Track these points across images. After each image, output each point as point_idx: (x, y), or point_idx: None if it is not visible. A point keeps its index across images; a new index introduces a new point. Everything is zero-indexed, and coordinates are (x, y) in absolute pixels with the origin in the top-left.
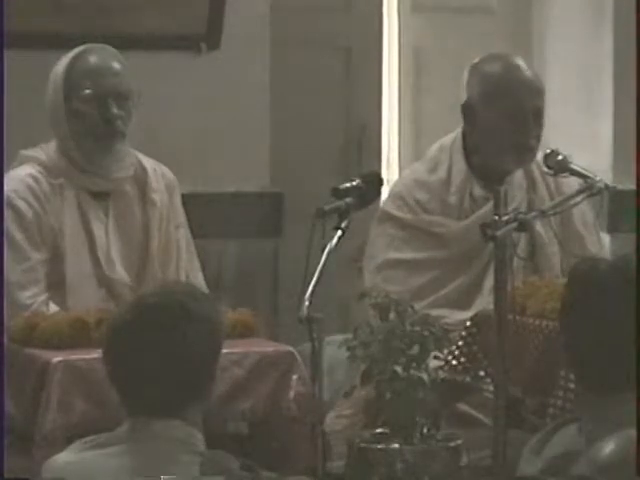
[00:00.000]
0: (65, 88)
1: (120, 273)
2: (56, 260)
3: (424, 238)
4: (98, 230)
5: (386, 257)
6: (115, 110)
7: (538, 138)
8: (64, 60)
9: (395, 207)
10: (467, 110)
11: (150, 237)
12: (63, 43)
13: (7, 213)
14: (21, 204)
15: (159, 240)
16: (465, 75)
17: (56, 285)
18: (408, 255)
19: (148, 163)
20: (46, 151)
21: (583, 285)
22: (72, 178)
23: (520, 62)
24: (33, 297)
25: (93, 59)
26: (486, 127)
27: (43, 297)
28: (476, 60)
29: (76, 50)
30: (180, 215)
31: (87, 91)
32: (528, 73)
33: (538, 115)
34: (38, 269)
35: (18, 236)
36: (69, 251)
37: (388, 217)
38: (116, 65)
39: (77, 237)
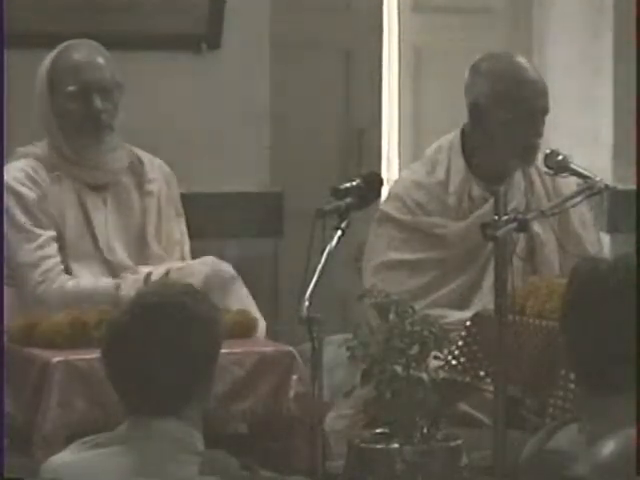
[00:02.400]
0: (49, 86)
1: (121, 259)
2: (60, 245)
3: (423, 239)
4: (98, 219)
5: (385, 258)
6: (99, 104)
7: (542, 137)
8: (47, 58)
9: (394, 208)
10: (474, 110)
11: (148, 226)
12: (63, 43)
13: (10, 199)
14: (23, 189)
15: (157, 229)
16: (467, 74)
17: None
18: (407, 256)
19: (144, 156)
20: (41, 147)
21: (584, 285)
22: (68, 172)
23: (524, 61)
24: (45, 273)
25: (75, 55)
26: (495, 127)
27: (56, 270)
28: (478, 59)
29: (58, 48)
30: (179, 205)
31: (70, 87)
32: (535, 73)
33: (544, 115)
34: (47, 245)
35: (22, 219)
36: (69, 238)
37: (387, 218)
38: (98, 59)
39: (77, 224)
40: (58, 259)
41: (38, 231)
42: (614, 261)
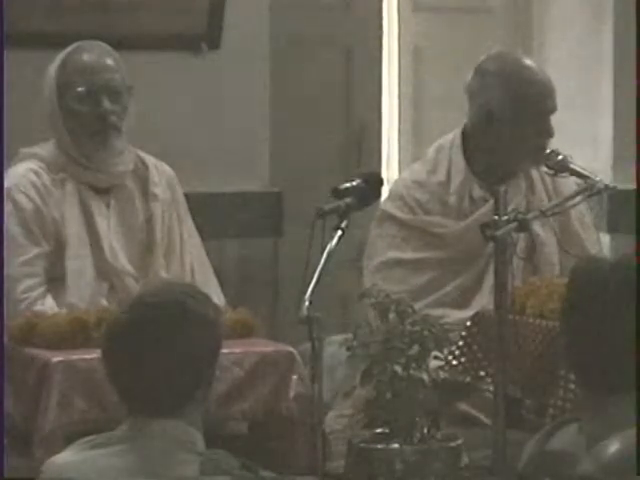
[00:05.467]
0: (58, 87)
1: (123, 264)
2: (58, 252)
3: (424, 238)
4: (100, 223)
5: (386, 257)
6: (108, 105)
7: (552, 137)
8: (56, 59)
9: (395, 207)
10: (485, 112)
11: (153, 230)
12: (63, 43)
13: (6, 206)
14: (21, 198)
15: (162, 233)
16: (473, 75)
17: (59, 277)
18: (408, 255)
19: (148, 159)
20: (46, 148)
21: (584, 284)
22: (72, 174)
23: (531, 62)
24: (27, 291)
25: (84, 56)
26: (508, 129)
27: (39, 291)
28: (483, 59)
29: (68, 49)
30: (183, 210)
31: (79, 89)
32: (542, 74)
33: (552, 114)
34: (35, 263)
35: (16, 230)
36: (71, 242)
37: (388, 217)
38: (108, 61)
39: (79, 229)
40: (42, 279)
41: (29, 246)
42: (614, 261)
